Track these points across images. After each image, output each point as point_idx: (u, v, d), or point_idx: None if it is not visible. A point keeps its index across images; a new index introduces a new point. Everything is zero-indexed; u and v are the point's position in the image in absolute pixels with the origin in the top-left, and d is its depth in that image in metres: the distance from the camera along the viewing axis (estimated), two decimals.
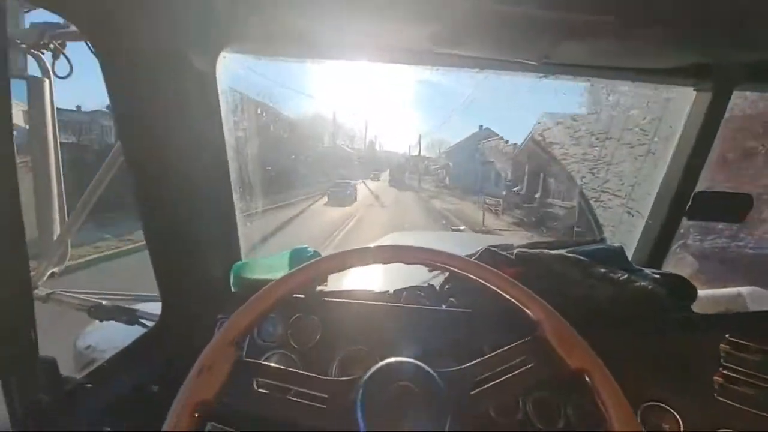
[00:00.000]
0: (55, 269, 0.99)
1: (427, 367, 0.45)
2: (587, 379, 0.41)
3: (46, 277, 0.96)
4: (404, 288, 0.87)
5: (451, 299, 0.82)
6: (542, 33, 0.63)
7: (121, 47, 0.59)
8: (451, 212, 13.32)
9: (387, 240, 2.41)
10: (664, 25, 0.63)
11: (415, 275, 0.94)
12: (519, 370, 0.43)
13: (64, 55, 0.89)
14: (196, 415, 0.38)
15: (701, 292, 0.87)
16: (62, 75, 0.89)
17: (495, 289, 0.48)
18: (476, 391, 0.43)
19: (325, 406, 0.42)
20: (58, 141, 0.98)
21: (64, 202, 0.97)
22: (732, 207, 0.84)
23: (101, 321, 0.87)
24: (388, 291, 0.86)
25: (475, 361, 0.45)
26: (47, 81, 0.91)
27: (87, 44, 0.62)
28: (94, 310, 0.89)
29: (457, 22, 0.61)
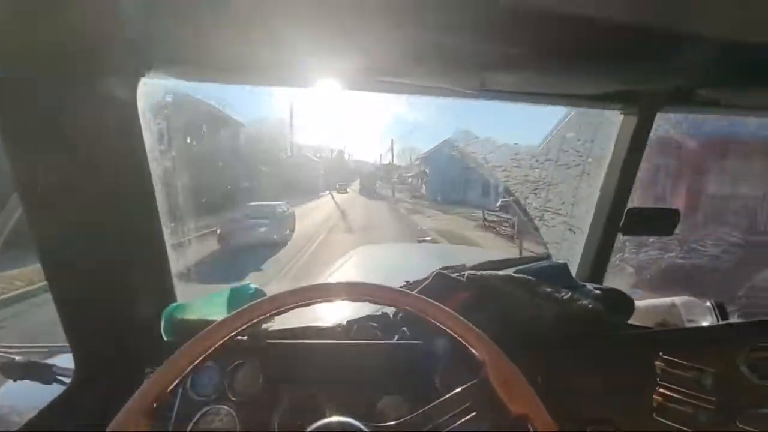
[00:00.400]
0: None
1: (362, 426, 0.43)
2: (529, 426, 0.41)
3: None
4: (356, 319, 0.84)
5: (404, 329, 0.81)
6: (477, 64, 0.65)
7: (18, 75, 0.52)
8: (443, 235, 9.42)
9: (354, 255, 2.38)
10: (588, 58, 0.66)
11: (368, 304, 0.92)
12: (462, 420, 0.43)
13: None
14: None
15: (638, 303, 0.92)
16: None
17: (442, 325, 0.47)
18: None
19: None
20: None
21: None
22: (662, 221, 0.90)
23: (14, 380, 0.77)
24: (340, 323, 0.83)
25: (416, 413, 0.44)
26: None
27: None
28: (6, 368, 0.78)
29: (396, 52, 0.61)
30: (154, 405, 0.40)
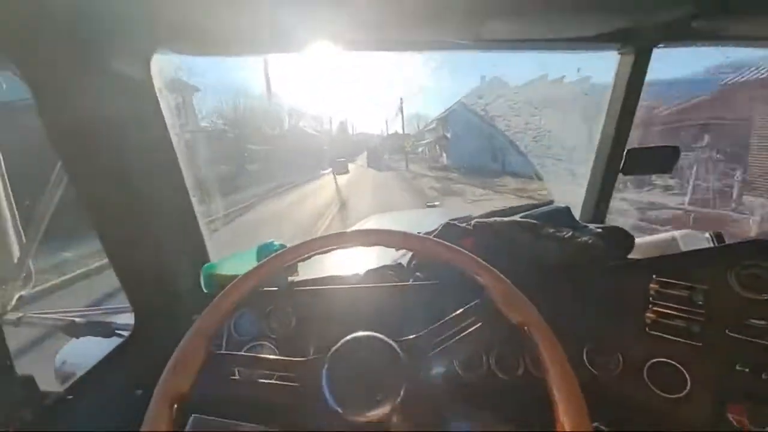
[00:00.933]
0: (23, 292, 0.98)
1: (385, 338, 0.49)
2: (527, 330, 0.46)
3: (14, 301, 0.95)
4: (374, 268, 0.92)
5: (417, 274, 0.88)
6: (471, 14, 0.66)
7: (45, 62, 0.57)
8: None
9: (368, 222, 2.45)
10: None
11: (386, 255, 0.99)
12: (469, 330, 0.49)
13: None
14: (175, 407, 0.41)
15: (639, 240, 0.96)
16: None
17: (447, 260, 0.52)
18: (434, 352, 0.48)
19: (297, 385, 0.46)
20: (3, 166, 0.95)
21: (19, 225, 0.94)
22: (662, 159, 0.92)
23: (77, 338, 0.88)
24: (358, 273, 0.91)
25: (430, 327, 0.50)
26: None
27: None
28: (69, 328, 0.89)
29: (391, 8, 0.63)
30: (207, 335, 0.47)
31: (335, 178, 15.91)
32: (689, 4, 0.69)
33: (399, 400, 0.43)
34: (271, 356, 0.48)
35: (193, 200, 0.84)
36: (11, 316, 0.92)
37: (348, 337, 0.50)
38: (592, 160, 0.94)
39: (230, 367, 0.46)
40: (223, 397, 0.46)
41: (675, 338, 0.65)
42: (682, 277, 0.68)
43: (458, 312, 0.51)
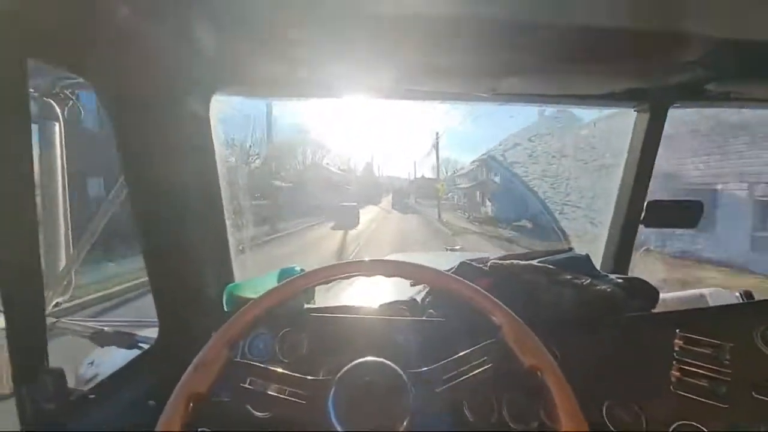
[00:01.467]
0: (60, 299, 1.05)
1: (393, 365, 0.50)
2: (539, 375, 0.45)
3: (51, 307, 1.02)
4: (388, 303, 0.93)
5: (430, 311, 0.88)
6: (489, 70, 0.74)
7: (123, 95, 0.68)
8: None
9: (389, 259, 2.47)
10: (598, 60, 0.73)
11: (400, 291, 1.00)
12: (480, 369, 0.48)
13: (74, 101, 1.01)
14: (190, 405, 0.43)
15: (665, 295, 0.93)
16: (72, 119, 1.01)
17: (463, 297, 0.53)
18: (441, 388, 0.48)
19: (304, 402, 0.47)
20: (66, 179, 1.07)
21: (70, 236, 1.04)
22: (685, 213, 0.92)
23: (102, 347, 0.92)
24: (371, 306, 0.92)
25: (441, 362, 0.50)
26: (57, 124, 1.02)
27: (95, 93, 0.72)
28: (96, 337, 0.94)
29: (416, 65, 0.72)
30: (229, 344, 0.51)
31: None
32: (704, 67, 0.73)
33: (402, 429, 0.43)
34: (284, 371, 0.50)
35: (228, 223, 0.91)
36: (46, 321, 0.98)
37: (358, 361, 0.51)
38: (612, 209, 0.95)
39: (245, 376, 0.48)
40: (235, 405, 0.47)
41: (701, 399, 0.61)
42: (708, 334, 0.65)
43: (470, 350, 0.51)
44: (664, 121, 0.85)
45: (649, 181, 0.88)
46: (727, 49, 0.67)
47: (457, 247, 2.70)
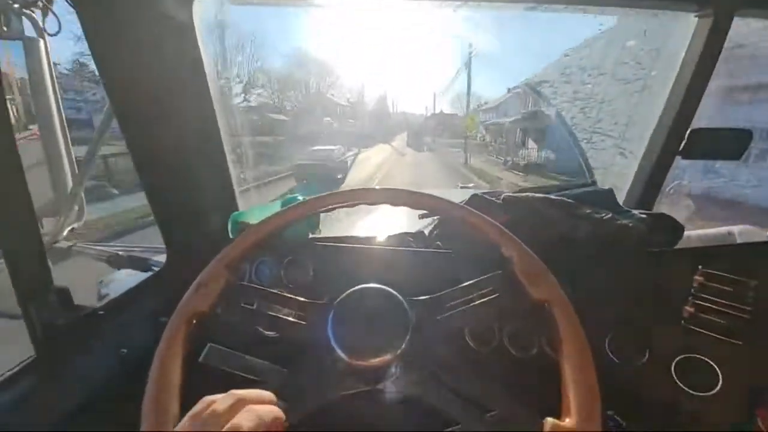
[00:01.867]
0: (75, 224, 1.08)
1: (393, 292, 0.49)
2: (547, 307, 0.43)
3: (66, 232, 1.05)
4: (395, 234, 0.91)
5: (438, 243, 0.86)
6: None
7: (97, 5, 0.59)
8: None
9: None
10: None
11: (409, 224, 0.97)
12: (485, 299, 0.46)
13: (53, 12, 0.91)
14: (193, 322, 0.44)
15: (691, 232, 0.87)
16: (52, 32, 0.92)
17: (470, 226, 0.50)
18: (443, 315, 0.47)
19: (304, 323, 0.47)
20: (60, 98, 1.02)
21: (73, 158, 1.02)
22: (729, 143, 0.81)
23: (117, 269, 0.96)
24: (378, 236, 0.90)
25: (445, 291, 0.49)
26: (42, 40, 0.93)
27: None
28: (111, 260, 0.97)
29: None
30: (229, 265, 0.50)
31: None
32: None
33: (400, 351, 0.43)
34: (286, 294, 0.50)
35: (226, 149, 0.86)
36: (62, 244, 1.01)
37: (358, 287, 0.50)
38: (647, 138, 0.85)
39: (248, 297, 0.48)
40: (235, 322, 0.48)
41: (713, 335, 0.60)
42: (732, 271, 0.61)
43: (477, 279, 0.48)
44: (728, 30, 0.70)
45: (699, 103, 0.76)
46: None
47: (471, 185, 2.62)
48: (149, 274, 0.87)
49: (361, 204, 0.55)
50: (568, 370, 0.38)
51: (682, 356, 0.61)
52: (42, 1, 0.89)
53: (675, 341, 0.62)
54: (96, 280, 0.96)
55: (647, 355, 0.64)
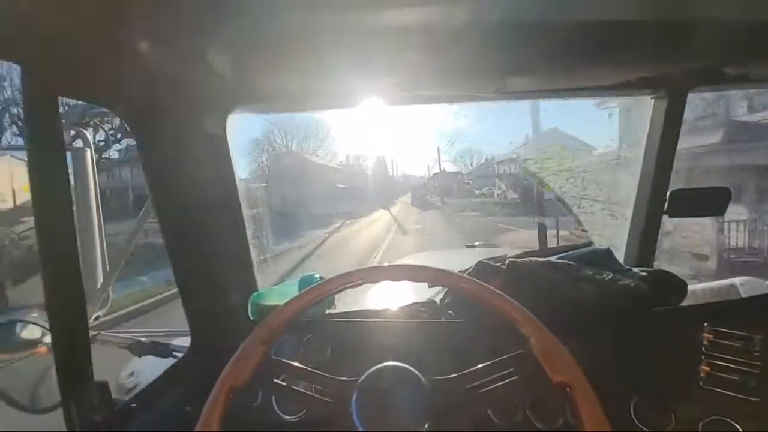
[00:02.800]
0: (100, 313, 1.12)
1: (415, 371, 0.51)
2: (568, 391, 0.44)
3: (91, 321, 1.09)
4: (407, 305, 0.94)
5: (449, 312, 0.88)
6: (493, 69, 0.73)
7: (146, 121, 0.72)
8: None
9: (406, 260, 2.47)
10: (612, 49, 0.70)
11: (419, 292, 1.01)
12: (506, 381, 0.48)
13: (102, 128, 1.08)
14: (230, 396, 0.47)
15: (694, 286, 0.89)
16: (101, 145, 1.08)
17: (490, 306, 0.52)
18: (463, 398, 0.48)
19: (330, 401, 0.50)
20: (99, 200, 1.14)
21: (106, 255, 1.11)
22: (710, 201, 0.88)
23: (140, 357, 0.98)
24: (390, 309, 0.93)
25: (465, 371, 0.50)
26: (88, 150, 1.09)
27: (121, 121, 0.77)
28: (134, 348, 1.00)
29: (417, 70, 0.72)
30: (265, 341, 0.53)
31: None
32: (720, 50, 0.70)
33: (424, 430, 0.45)
34: (313, 369, 0.53)
35: (249, 234, 0.95)
36: (90, 334, 1.05)
37: (382, 365, 0.52)
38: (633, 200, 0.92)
39: (279, 371, 0.52)
40: (268, 397, 0.50)
41: (731, 393, 0.59)
42: (737, 326, 0.63)
43: (496, 360, 0.50)
44: (683, 107, 0.82)
45: (671, 169, 0.85)
46: (744, 30, 0.64)
47: (476, 243, 2.67)
48: (171, 360, 0.89)
49: (378, 281, 0.59)
50: None
51: (708, 419, 0.60)
52: (94, 121, 1.06)
53: (698, 403, 0.62)
54: (117, 367, 0.98)
55: (674, 421, 0.62)
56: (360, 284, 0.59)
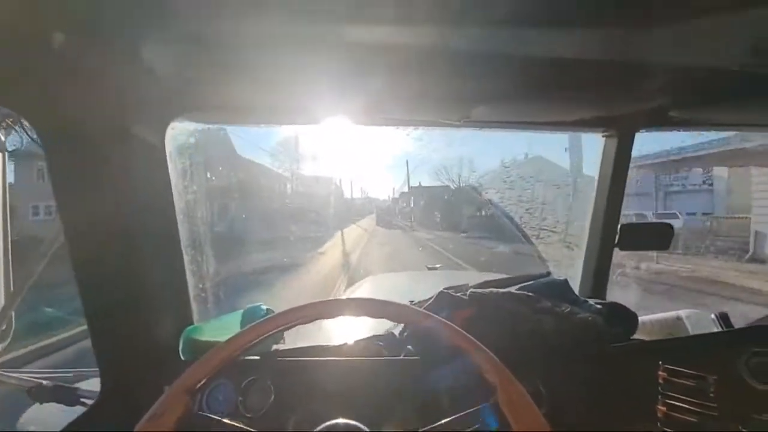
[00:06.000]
0: None
1: (366, 430, 0.45)
2: None
3: None
4: (364, 339, 0.87)
5: (409, 347, 0.83)
6: (460, 98, 0.73)
7: (61, 127, 0.61)
8: None
9: (365, 284, 2.39)
10: (566, 89, 0.73)
11: (378, 323, 0.94)
12: None
13: (16, 131, 0.93)
14: None
15: (642, 318, 0.92)
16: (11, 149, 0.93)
17: (456, 348, 0.49)
18: None
19: None
20: (8, 214, 0.97)
21: (11, 277, 0.93)
22: (657, 236, 0.93)
23: (41, 404, 0.81)
24: (347, 343, 0.86)
25: (425, 428, 0.45)
26: (0, 155, 0.93)
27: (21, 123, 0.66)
28: (34, 392, 0.83)
29: (380, 91, 0.70)
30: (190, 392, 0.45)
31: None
32: (667, 95, 0.75)
33: None
34: (247, 428, 0.44)
35: (186, 259, 0.84)
36: None
37: (327, 424, 0.46)
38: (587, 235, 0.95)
39: (204, 429, 0.43)
40: None
41: None
42: (691, 365, 0.63)
43: (461, 414, 0.46)
44: (632, 146, 0.87)
45: (621, 205, 0.89)
46: (687, 77, 0.69)
47: (438, 266, 2.67)
48: (80, 408, 0.74)
49: (333, 317, 0.53)
50: None
51: None
52: (6, 122, 0.92)
53: None
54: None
55: None
56: (310, 321, 0.53)
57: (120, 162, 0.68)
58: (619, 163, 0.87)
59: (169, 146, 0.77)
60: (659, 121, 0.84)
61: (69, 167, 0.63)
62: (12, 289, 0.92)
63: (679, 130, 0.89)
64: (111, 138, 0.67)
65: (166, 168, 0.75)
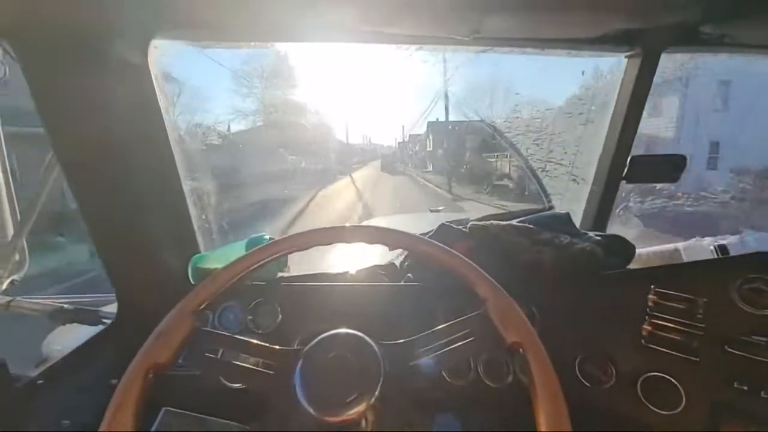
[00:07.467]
0: (15, 277, 0.98)
1: (365, 338, 0.47)
2: (521, 351, 0.43)
3: (5, 286, 0.95)
4: (366, 268, 0.90)
5: (408, 275, 0.86)
6: (471, 8, 0.65)
7: (42, 45, 0.57)
8: None
9: (370, 224, 2.43)
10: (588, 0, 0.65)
11: (380, 254, 0.97)
12: (461, 343, 0.46)
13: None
14: (150, 375, 0.41)
15: (640, 250, 0.93)
16: None
17: (447, 267, 0.50)
18: (417, 360, 0.46)
19: (272, 373, 0.45)
20: (4, 147, 0.95)
21: (16, 208, 0.94)
22: (667, 168, 0.90)
23: (63, 324, 0.87)
24: (349, 272, 0.89)
25: (418, 335, 0.48)
26: None
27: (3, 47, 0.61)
28: (56, 315, 0.88)
29: (389, 4, 0.62)
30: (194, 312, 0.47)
31: None
32: (699, 8, 0.67)
33: (373, 399, 0.42)
34: (251, 340, 0.47)
35: (186, 190, 0.83)
36: (0, 300, 0.91)
37: (327, 333, 0.48)
38: (595, 166, 0.92)
39: (212, 345, 0.46)
40: (197, 375, 0.45)
41: (672, 352, 0.63)
42: (682, 289, 0.65)
43: (451, 323, 0.48)
44: (656, 67, 0.79)
45: (635, 133, 0.84)
46: None
47: (440, 208, 2.68)
48: (100, 328, 0.80)
49: (330, 243, 0.54)
50: (541, 417, 0.38)
51: (646, 375, 0.63)
52: None
53: (638, 361, 0.65)
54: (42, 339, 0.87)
55: (614, 377, 0.65)
56: (310, 247, 0.53)
57: (103, 81, 0.64)
58: (639, 88, 0.80)
59: (155, 68, 0.72)
60: (690, 38, 0.76)
61: (51, 91, 0.59)
62: (19, 218, 0.93)
63: (710, 51, 0.81)
64: (91, 56, 0.62)
65: (153, 91, 0.71)
